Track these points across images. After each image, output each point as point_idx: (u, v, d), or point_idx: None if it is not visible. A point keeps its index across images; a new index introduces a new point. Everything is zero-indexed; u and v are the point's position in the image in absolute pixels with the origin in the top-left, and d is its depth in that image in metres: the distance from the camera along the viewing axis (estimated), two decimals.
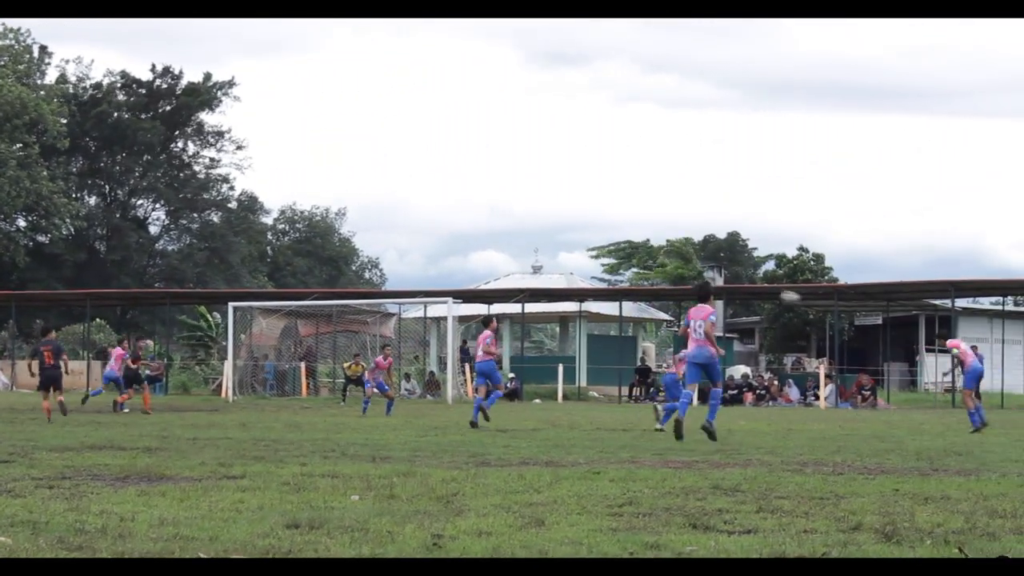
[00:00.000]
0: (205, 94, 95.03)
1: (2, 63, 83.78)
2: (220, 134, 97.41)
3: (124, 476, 13.92)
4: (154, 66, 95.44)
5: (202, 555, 8.39)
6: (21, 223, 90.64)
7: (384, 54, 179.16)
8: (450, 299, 49.13)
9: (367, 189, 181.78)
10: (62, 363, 30.53)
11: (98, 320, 71.78)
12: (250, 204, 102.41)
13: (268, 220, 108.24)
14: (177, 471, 14.53)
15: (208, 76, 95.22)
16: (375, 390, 35.50)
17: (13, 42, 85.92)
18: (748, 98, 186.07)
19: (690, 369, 22.37)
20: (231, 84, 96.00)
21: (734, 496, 12.49)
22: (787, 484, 13.70)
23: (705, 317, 21.76)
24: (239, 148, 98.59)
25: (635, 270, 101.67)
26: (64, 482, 13.10)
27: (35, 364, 29.99)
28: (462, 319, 55.63)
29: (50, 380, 30.08)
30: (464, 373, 51.37)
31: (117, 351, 37.20)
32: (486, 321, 30.04)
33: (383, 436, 22.53)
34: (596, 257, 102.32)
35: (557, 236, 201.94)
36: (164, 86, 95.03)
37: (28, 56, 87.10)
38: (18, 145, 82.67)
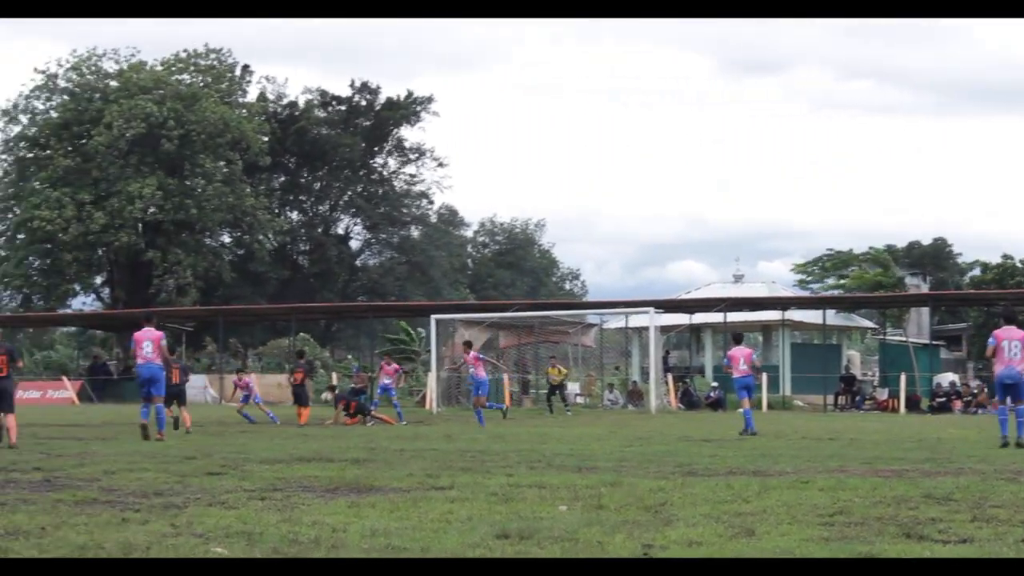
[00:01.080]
0: (404, 109, 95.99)
1: (205, 84, 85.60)
2: (421, 152, 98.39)
3: (334, 487, 14.06)
4: (353, 82, 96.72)
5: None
6: (226, 239, 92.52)
7: (577, 65, 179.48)
8: (652, 309, 48.89)
9: (565, 200, 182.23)
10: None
11: (302, 334, 72.88)
12: (450, 217, 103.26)
13: (468, 233, 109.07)
14: (385, 482, 14.63)
15: (409, 93, 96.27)
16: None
17: (215, 62, 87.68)
18: (945, 102, 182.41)
19: (999, 388, 22.85)
20: (430, 100, 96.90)
21: (947, 505, 12.19)
22: (1001, 493, 13.34)
23: (1022, 338, 22.23)
24: (440, 166, 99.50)
25: (832, 280, 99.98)
26: (276, 494, 13.27)
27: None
28: (663, 329, 55.29)
29: (174, 396, 30.48)
30: (667, 383, 51.12)
31: (391, 366, 38.08)
32: (737, 338, 31.72)
33: (588, 446, 22.46)
34: (802, 270, 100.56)
35: (755, 245, 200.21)
36: (363, 103, 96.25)
37: (230, 75, 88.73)
38: (222, 162, 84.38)
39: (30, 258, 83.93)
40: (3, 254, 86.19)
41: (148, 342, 25.68)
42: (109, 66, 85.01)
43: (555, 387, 45.16)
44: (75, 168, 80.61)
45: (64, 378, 65.23)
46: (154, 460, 18.26)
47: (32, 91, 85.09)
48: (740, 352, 29.63)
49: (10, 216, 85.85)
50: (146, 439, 24.44)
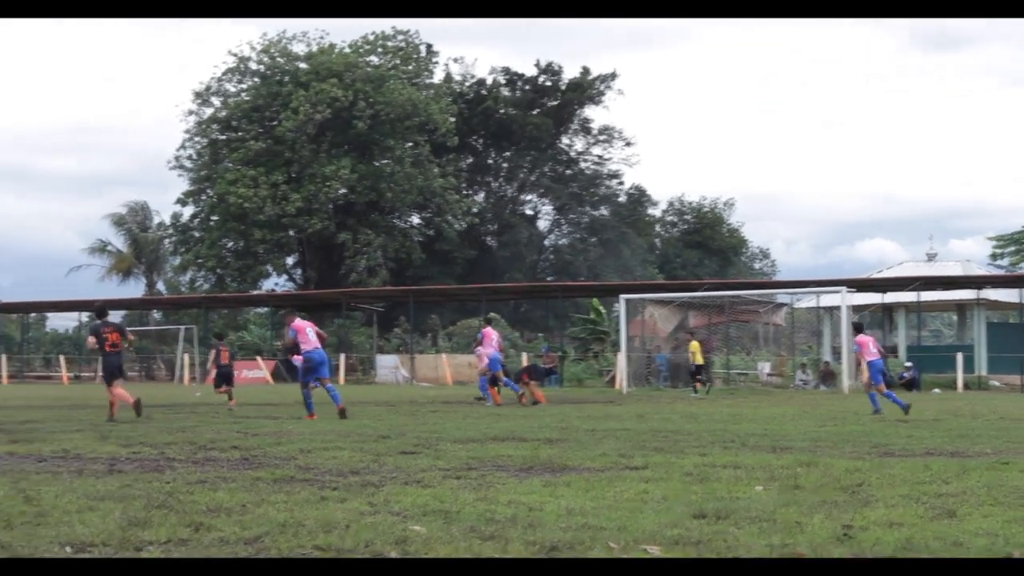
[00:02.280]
0: (588, 88, 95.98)
1: (393, 66, 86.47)
2: (608, 131, 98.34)
3: (528, 467, 14.07)
4: (538, 62, 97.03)
5: (611, 544, 8.35)
6: (415, 220, 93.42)
7: (760, 42, 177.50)
8: (844, 288, 48.22)
9: (753, 179, 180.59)
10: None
11: (492, 314, 73.30)
12: (639, 197, 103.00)
13: (656, 212, 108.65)
14: (579, 462, 14.60)
15: (587, 70, 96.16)
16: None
17: (403, 43, 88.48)
18: None
19: None
20: (612, 76, 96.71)
21: None
22: None
23: None
24: (628, 145, 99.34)
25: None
26: (470, 472, 13.31)
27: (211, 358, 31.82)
28: (855, 308, 54.52)
29: (224, 378, 32.21)
30: (859, 363, 50.33)
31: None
32: (858, 327, 31.54)
33: (782, 427, 22.21)
34: (999, 248, 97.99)
35: (946, 223, 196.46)
36: (548, 82, 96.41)
37: (416, 57, 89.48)
38: (409, 144, 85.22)
39: (223, 240, 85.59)
40: (197, 235, 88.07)
41: (310, 329, 26.66)
42: (299, 49, 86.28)
43: (700, 366, 43.94)
44: (267, 150, 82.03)
45: (258, 358, 66.43)
46: (349, 439, 18.46)
47: (224, 74, 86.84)
48: (867, 338, 29.85)
49: (203, 198, 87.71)
50: (344, 418, 24.87)
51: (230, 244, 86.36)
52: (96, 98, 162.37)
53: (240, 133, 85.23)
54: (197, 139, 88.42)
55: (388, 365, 62.27)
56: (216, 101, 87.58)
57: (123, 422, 23.74)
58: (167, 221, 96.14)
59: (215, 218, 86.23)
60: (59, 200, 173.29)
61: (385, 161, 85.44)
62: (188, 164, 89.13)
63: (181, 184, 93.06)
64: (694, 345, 44.01)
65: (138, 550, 8.16)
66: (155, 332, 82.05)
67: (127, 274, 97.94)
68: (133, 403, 24.50)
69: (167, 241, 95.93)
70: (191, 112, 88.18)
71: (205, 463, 14.63)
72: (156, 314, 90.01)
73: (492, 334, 34.65)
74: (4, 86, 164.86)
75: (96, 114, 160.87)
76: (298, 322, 26.99)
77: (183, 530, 8.95)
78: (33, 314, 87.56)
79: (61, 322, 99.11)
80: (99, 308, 27.61)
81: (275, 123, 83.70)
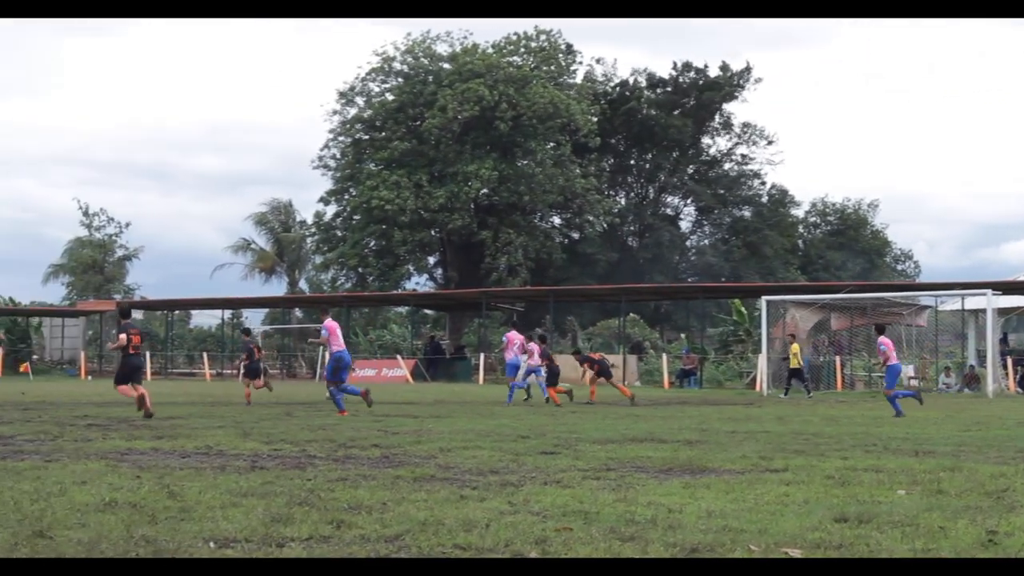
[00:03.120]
0: (727, 86, 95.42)
1: (535, 66, 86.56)
2: (749, 127, 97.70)
3: (667, 468, 14.01)
4: (675, 63, 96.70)
5: (752, 547, 8.29)
6: (556, 220, 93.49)
7: (902, 40, 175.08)
8: (989, 291, 47.38)
9: (895, 179, 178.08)
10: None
11: (632, 315, 73.12)
12: (781, 198, 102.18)
13: (799, 213, 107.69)
14: (719, 464, 14.52)
15: (725, 66, 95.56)
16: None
17: (545, 44, 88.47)
18: None
19: None
20: (747, 70, 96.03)
21: None
22: None
23: None
24: (769, 143, 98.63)
25: None
26: (609, 473, 13.29)
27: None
28: (1001, 311, 53.54)
29: (253, 373, 33.46)
30: (1005, 367, 49.49)
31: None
32: (880, 329, 31.81)
33: (924, 430, 21.90)
34: None
35: None
36: (686, 82, 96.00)
37: (558, 57, 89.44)
38: (551, 144, 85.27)
39: (366, 239, 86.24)
40: (340, 235, 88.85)
41: (339, 330, 27.95)
42: (442, 49, 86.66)
43: (795, 370, 43.51)
44: (411, 150, 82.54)
45: (398, 357, 66.88)
46: (488, 438, 18.52)
47: (368, 74, 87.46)
48: (887, 341, 30.34)
49: (346, 198, 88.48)
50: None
51: (372, 243, 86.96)
52: (239, 98, 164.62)
53: (384, 133, 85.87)
54: (341, 138, 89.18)
55: None
56: (360, 101, 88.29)
57: (262, 420, 24.03)
58: (308, 220, 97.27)
59: (357, 217, 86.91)
60: (201, 199, 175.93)
61: (526, 162, 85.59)
62: (331, 163, 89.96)
63: (322, 183, 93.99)
64: (795, 347, 43.71)
65: (280, 546, 8.25)
66: (297, 330, 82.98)
67: (270, 272, 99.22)
68: (143, 407, 24.54)
69: (309, 240, 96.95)
70: (335, 112, 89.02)
71: (346, 461, 14.75)
72: (298, 312, 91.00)
73: (516, 339, 36.65)
74: (148, 85, 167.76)
75: (239, 114, 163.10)
76: (329, 322, 28.01)
77: (324, 527, 9.03)
78: (177, 312, 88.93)
79: (204, 320, 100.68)
80: (124, 309, 28.10)
81: (418, 123, 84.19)
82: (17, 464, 13.94)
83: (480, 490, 11.52)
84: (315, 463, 14.39)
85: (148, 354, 71.02)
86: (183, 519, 9.40)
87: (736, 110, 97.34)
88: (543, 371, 36.43)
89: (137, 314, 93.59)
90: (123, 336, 25.62)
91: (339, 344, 27.63)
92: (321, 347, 37.26)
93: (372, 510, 9.97)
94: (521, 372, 37.18)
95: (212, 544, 8.30)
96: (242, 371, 36.60)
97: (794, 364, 43.43)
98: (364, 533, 8.78)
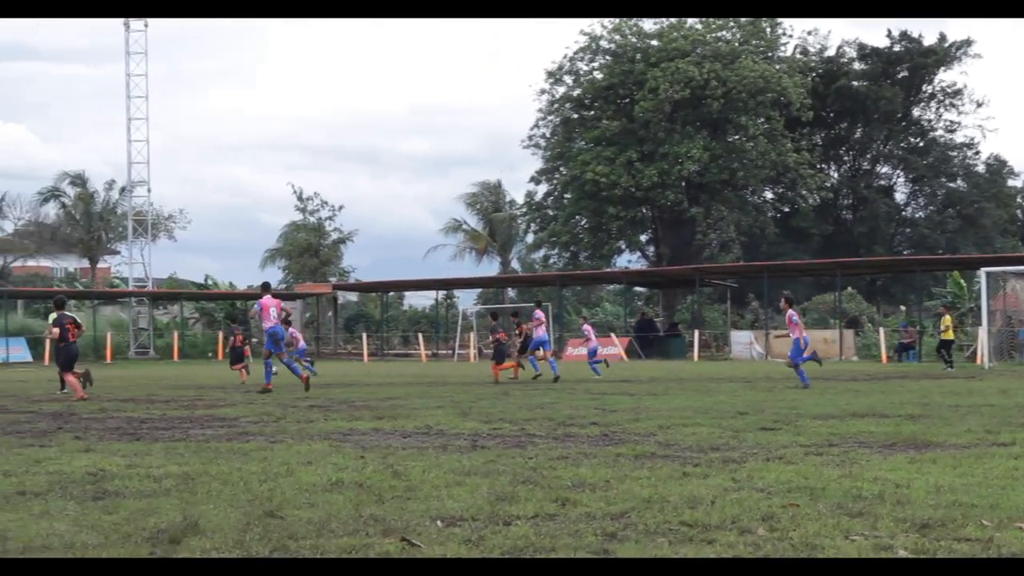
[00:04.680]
0: (941, 55, 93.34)
1: (744, 41, 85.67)
2: (957, 93, 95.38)
3: (891, 443, 13.80)
4: (889, 32, 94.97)
5: (985, 522, 8.12)
6: (768, 195, 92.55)
7: None
8: None
9: None
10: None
11: (849, 289, 72.08)
12: (998, 168, 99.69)
13: (1018, 183, 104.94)
14: (943, 438, 14.26)
15: (943, 37, 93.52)
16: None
17: (752, 19, 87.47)
18: None
19: None
20: (967, 43, 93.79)
21: None
22: None
23: None
24: (979, 106, 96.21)
25: None
26: (832, 449, 13.14)
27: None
28: None
29: (237, 357, 35.81)
30: None
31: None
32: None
33: None
34: None
35: None
36: (901, 51, 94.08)
37: (767, 31, 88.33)
38: (761, 119, 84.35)
39: (577, 217, 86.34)
40: (551, 213, 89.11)
41: (273, 308, 28.87)
42: (648, 26, 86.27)
43: (948, 342, 42.51)
44: (621, 129, 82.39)
45: (612, 335, 66.89)
46: (707, 415, 18.44)
47: (576, 52, 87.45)
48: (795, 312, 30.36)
49: (556, 176, 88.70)
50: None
51: (584, 221, 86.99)
52: (446, 81, 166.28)
53: (593, 112, 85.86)
54: (550, 118, 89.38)
55: (742, 341, 61.92)
56: (568, 80, 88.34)
57: (480, 399, 24.22)
58: (518, 200, 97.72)
59: (568, 196, 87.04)
60: (411, 181, 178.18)
61: (737, 137, 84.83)
62: (541, 143, 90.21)
63: (531, 163, 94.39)
64: (947, 320, 42.82)
65: (507, 524, 8.30)
66: (510, 310, 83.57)
67: (482, 253, 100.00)
68: (79, 397, 24.97)
69: (520, 219, 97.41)
70: (543, 91, 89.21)
71: (565, 439, 14.80)
72: (511, 292, 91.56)
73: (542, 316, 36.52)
74: (357, 71, 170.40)
75: (446, 97, 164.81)
76: (265, 299, 29.32)
77: (549, 505, 9.07)
78: (391, 293, 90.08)
79: (418, 300, 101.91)
80: (59, 301, 28.62)
81: (628, 101, 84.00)
82: (243, 445, 14.26)
83: (703, 467, 11.47)
84: (535, 442, 14.46)
85: (364, 336, 72.26)
86: (409, 498, 9.52)
87: (948, 78, 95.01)
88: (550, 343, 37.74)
89: (351, 296, 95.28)
90: (56, 329, 26.43)
91: (270, 321, 28.76)
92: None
93: (596, 488, 9.99)
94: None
95: (439, 523, 8.38)
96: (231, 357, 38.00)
97: (947, 336, 42.63)
98: (589, 511, 8.79)
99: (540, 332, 35.89)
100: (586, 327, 39.80)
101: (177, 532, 7.95)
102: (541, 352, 35.82)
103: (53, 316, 27.72)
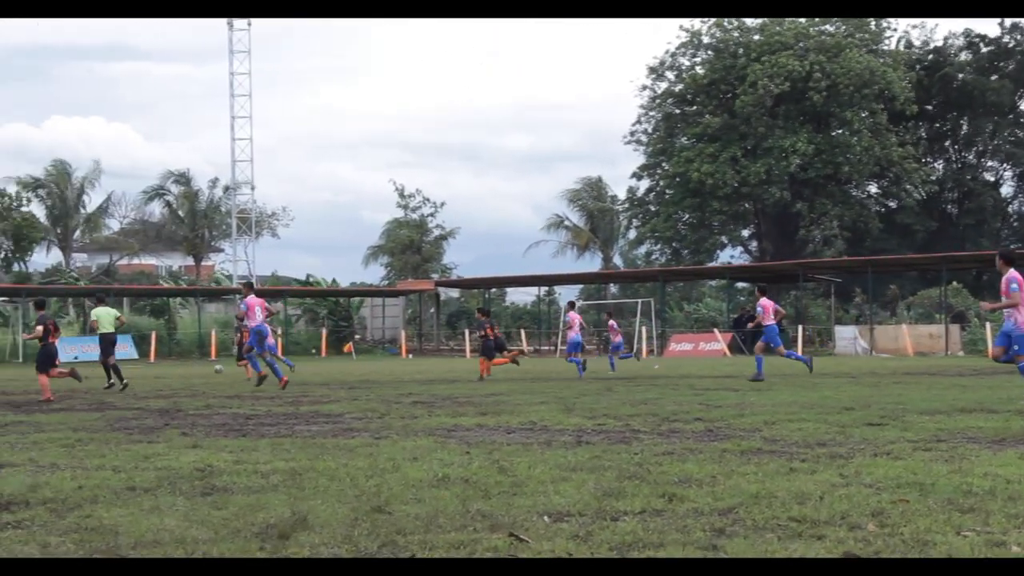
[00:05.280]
0: None
1: (848, 34, 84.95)
2: None
3: (1000, 438, 13.63)
4: (1002, 22, 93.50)
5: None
6: (872, 190, 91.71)
7: None
8: None
9: None
10: None
11: (954, 283, 71.19)
12: None
13: None
14: None
15: None
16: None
17: None
18: None
19: None
20: None
21: None
22: None
23: None
24: None
25: None
26: (940, 444, 12.99)
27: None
28: None
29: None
30: None
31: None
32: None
33: None
34: None
35: None
36: (1011, 43, 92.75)
37: (872, 24, 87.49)
38: (865, 112, 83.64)
39: (679, 212, 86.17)
40: (653, 209, 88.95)
41: (258, 307, 30.37)
42: (750, 21, 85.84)
43: None
44: (723, 125, 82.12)
45: (715, 331, 66.63)
46: (812, 410, 18.31)
47: (678, 48, 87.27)
48: (770, 303, 32.42)
49: (658, 172, 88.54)
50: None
51: (686, 217, 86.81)
52: (546, 77, 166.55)
53: (695, 107, 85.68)
54: (651, 114, 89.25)
55: (847, 336, 61.38)
56: (670, 75, 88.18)
57: (583, 395, 24.21)
58: (619, 195, 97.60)
59: (670, 191, 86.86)
60: (511, 178, 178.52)
61: (841, 131, 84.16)
62: (643, 139, 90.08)
63: (632, 159, 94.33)
64: None
65: (614, 520, 8.28)
66: (612, 306, 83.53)
67: (584, 248, 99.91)
68: (45, 398, 24.95)
69: (622, 215, 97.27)
70: (645, 87, 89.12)
71: (670, 435, 14.76)
72: (613, 288, 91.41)
73: (577, 318, 38.06)
74: (457, 68, 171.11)
75: (546, 93, 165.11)
76: (250, 299, 30.76)
77: (656, 500, 9.04)
78: (493, 289, 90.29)
79: (520, 297, 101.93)
80: (40, 302, 29.56)
81: (730, 96, 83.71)
82: (349, 441, 14.35)
83: (809, 462, 11.38)
84: (640, 437, 14.43)
85: (467, 332, 72.52)
86: (515, 494, 9.53)
87: None
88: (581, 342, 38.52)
89: (453, 292, 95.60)
90: (40, 327, 26.95)
91: (255, 319, 30.19)
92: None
93: (702, 484, 9.95)
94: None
95: (546, 518, 8.38)
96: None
97: None
98: (696, 507, 8.76)
99: (572, 334, 37.07)
100: (572, 315, 40.92)
101: (286, 527, 8.02)
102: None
103: (35, 316, 28.63)
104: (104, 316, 31.34)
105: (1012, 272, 20.12)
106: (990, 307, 23.62)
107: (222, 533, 7.99)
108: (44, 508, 9.21)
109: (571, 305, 42.12)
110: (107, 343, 31.01)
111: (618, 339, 40.79)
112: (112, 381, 29.72)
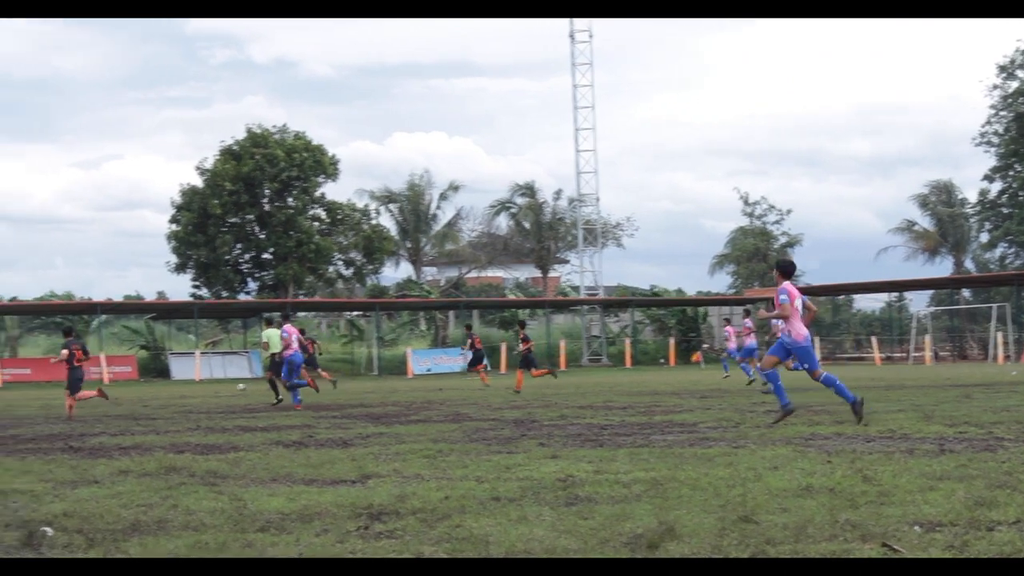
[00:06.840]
0: None
1: None
2: None
3: None
4: None
5: None
6: None
7: None
8: None
9: None
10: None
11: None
12: None
13: None
14: None
15: None
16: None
17: None
18: None
19: None
20: None
21: None
22: None
23: None
24: None
25: None
26: None
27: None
28: None
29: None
30: None
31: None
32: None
33: None
34: None
35: None
36: None
37: None
38: None
39: None
40: (1006, 211, 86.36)
41: (295, 335, 31.34)
42: None
43: None
44: None
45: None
46: None
47: None
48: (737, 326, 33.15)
49: (1010, 173, 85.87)
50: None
51: None
52: (887, 80, 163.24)
53: None
54: (1003, 113, 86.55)
55: None
56: (1021, 74, 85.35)
57: (941, 402, 23.63)
58: (970, 198, 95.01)
59: None
60: (854, 183, 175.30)
61: None
62: (994, 140, 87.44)
63: (980, 160, 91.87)
64: None
65: (989, 530, 8.09)
66: (964, 311, 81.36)
67: (933, 253, 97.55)
68: (69, 415, 27.59)
69: (973, 218, 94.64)
70: (995, 87, 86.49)
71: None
72: (965, 292, 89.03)
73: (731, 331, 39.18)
74: (796, 73, 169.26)
75: (887, 96, 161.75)
76: (288, 327, 31.63)
77: None
78: (841, 296, 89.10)
79: (868, 303, 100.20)
80: (67, 329, 31.77)
81: None
82: (707, 451, 14.36)
83: None
84: (1005, 445, 14.04)
85: (873, 338, 71.61)
86: (883, 503, 9.39)
87: None
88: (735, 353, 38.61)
89: None
90: (65, 351, 29.02)
91: (293, 347, 30.84)
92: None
93: None
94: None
95: (918, 528, 8.23)
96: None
97: None
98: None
99: (749, 340, 35.97)
100: (727, 329, 40.96)
101: (655, 537, 8.06)
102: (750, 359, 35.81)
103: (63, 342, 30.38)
104: (274, 337, 32.54)
105: (784, 283, 19.02)
106: (763, 316, 23.94)
107: (591, 543, 8.08)
108: (414, 518, 9.44)
109: (746, 312, 42.16)
110: (277, 363, 32.23)
111: (746, 343, 37.35)
112: (280, 397, 31.61)
